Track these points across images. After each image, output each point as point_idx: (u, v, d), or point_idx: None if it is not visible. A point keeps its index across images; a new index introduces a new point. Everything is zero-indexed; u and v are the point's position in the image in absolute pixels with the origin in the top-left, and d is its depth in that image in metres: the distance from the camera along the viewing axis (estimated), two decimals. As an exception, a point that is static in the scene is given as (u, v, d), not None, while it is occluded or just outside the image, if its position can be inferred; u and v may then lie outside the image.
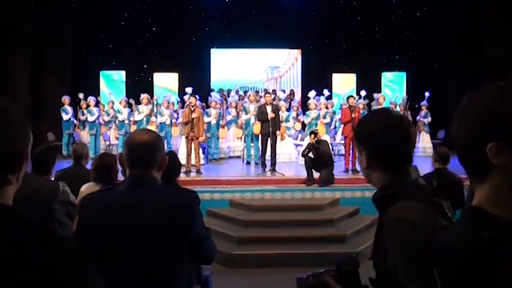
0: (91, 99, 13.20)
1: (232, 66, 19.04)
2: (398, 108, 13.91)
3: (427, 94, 14.11)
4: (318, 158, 9.18)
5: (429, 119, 13.80)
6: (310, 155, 9.32)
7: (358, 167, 10.36)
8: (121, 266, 1.83)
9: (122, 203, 1.92)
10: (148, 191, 1.96)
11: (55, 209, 2.19)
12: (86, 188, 3.80)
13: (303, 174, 9.54)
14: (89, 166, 4.23)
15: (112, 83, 16.92)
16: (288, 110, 13.27)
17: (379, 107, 12.19)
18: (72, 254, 1.04)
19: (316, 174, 9.29)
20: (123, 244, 1.85)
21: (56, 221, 2.19)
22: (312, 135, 9.43)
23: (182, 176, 9.63)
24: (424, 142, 13.82)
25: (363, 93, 13.59)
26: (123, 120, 12.82)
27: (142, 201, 1.92)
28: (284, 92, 16.37)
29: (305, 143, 11.58)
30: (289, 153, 12.45)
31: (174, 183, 3.90)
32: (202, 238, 1.98)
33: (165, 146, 12.00)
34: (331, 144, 13.11)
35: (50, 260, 0.99)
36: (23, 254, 0.99)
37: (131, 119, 12.86)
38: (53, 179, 4.16)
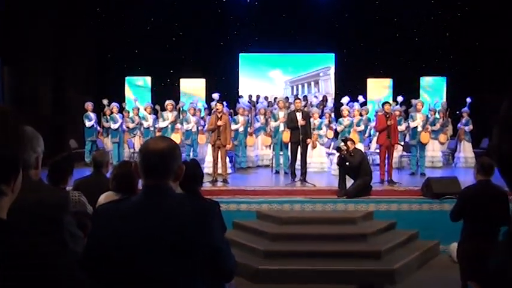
0: (114, 106, 13.38)
1: (261, 72, 19.09)
2: (437, 116, 13.66)
3: (468, 100, 13.81)
4: (354, 167, 9.06)
5: (471, 126, 13.49)
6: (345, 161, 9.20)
7: (394, 178, 10.20)
8: (131, 279, 1.81)
9: (134, 214, 1.89)
10: (163, 201, 1.93)
11: (64, 221, 2.17)
12: (105, 198, 3.81)
13: (335, 184, 9.44)
14: (109, 174, 4.23)
15: (137, 89, 17.19)
16: (321, 117, 13.20)
17: (417, 113, 11.97)
18: (57, 270, 1.00)
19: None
20: (133, 257, 1.82)
21: (66, 233, 2.17)
22: (342, 144, 9.30)
23: (208, 186, 9.70)
24: (465, 152, 13.50)
25: (400, 99, 13.38)
26: (148, 127, 12.97)
27: (155, 212, 1.89)
28: (316, 97, 16.29)
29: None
30: (321, 163, 12.39)
31: (196, 192, 3.87)
32: (219, 252, 1.93)
33: (191, 153, 12.39)
34: (365, 153, 12.96)
35: (33, 275, 0.96)
36: (8, 267, 0.95)
37: (156, 126, 12.97)
38: (71, 188, 4.19)
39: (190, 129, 12.67)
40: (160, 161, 1.95)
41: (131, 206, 1.92)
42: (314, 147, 12.18)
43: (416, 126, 11.88)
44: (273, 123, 12.13)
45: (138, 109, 13.69)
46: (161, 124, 12.66)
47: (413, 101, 12.99)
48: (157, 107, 13.46)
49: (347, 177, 9.33)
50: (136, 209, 1.91)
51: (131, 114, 13.71)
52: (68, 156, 3.82)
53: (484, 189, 4.72)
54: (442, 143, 13.84)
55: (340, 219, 8.23)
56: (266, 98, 17.35)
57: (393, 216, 8.44)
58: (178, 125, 12.73)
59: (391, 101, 11.91)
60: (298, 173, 10.37)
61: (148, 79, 17.33)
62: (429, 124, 12.32)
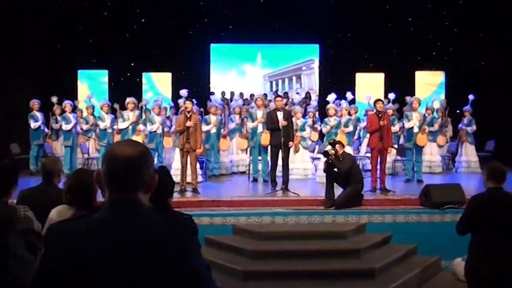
0: (67, 104, 13.17)
1: (236, 66, 19.06)
2: (436, 115, 13.81)
3: (471, 97, 13.99)
4: (343, 173, 9.07)
5: (474, 127, 13.68)
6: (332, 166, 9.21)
7: (388, 185, 10.25)
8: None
9: (97, 235, 1.81)
10: (132, 219, 1.85)
11: (9, 242, 2.06)
12: (57, 213, 3.70)
13: (322, 194, 9.44)
14: (61, 185, 4.12)
15: (92, 84, 16.98)
16: (304, 116, 13.19)
17: (412, 112, 12.07)
18: None
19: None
20: (97, 286, 1.74)
21: (11, 257, 2.05)
22: (330, 147, 9.30)
23: (176, 197, 9.57)
24: (468, 155, 13.68)
25: (392, 96, 13.48)
26: (105, 129, 12.81)
27: (123, 232, 1.82)
28: (299, 94, 16.33)
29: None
30: (305, 169, 12.41)
31: (167, 206, 3.79)
32: (198, 279, 1.86)
33: (156, 160, 12.25)
34: (355, 157, 12.99)
35: None
36: None
37: (115, 127, 12.82)
38: (14, 201, 4.05)
39: (155, 131, 12.56)
40: (128, 170, 1.88)
41: (93, 225, 1.84)
42: (297, 151, 12.19)
43: (412, 127, 11.98)
44: (249, 124, 12.11)
45: (93, 108, 13.49)
46: (120, 125, 12.49)
47: (408, 99, 13.13)
48: (116, 106, 13.28)
49: (335, 185, 9.34)
50: (99, 229, 1.82)
51: (85, 114, 13.51)
52: (10, 163, 3.66)
53: (496, 198, 4.72)
54: (441, 146, 14.02)
55: (328, 234, 8.20)
56: (241, 95, 17.36)
57: (388, 229, 8.46)
58: (140, 126, 12.60)
59: (383, 99, 11.94)
60: (279, 180, 10.35)
61: (106, 73, 17.14)
62: (426, 124, 12.44)
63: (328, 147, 9.40)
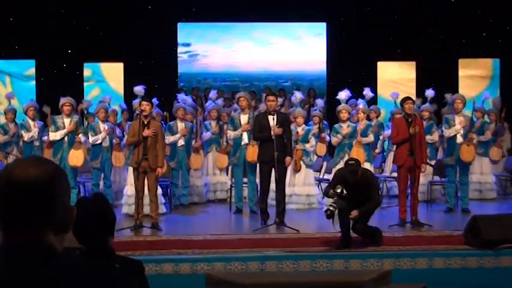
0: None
1: (213, 51, 19.08)
2: (487, 119, 13.82)
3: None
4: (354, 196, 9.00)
5: (541, 135, 13.73)
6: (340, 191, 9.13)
7: (421, 217, 10.23)
8: None
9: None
10: (38, 272, 1.79)
11: None
12: None
13: (331, 228, 9.39)
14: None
15: (14, 79, 16.94)
16: (307, 122, 13.15)
17: (455, 116, 12.04)
18: None
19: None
20: None
21: None
22: (333, 201, 9.09)
23: (127, 235, 9.52)
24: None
25: (431, 93, 13.49)
26: (32, 141, 12.72)
27: None
28: (299, 91, 16.30)
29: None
30: (308, 195, 12.43)
31: (105, 249, 3.76)
32: None
33: (101, 183, 12.17)
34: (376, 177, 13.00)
35: None
36: None
37: (44, 138, 12.74)
38: None
39: (100, 144, 12.47)
40: (30, 200, 1.82)
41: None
42: (297, 170, 12.16)
43: (454, 136, 11.97)
44: (231, 133, 12.07)
45: (15, 112, 13.43)
46: (52, 136, 12.37)
47: (449, 97, 13.11)
48: (47, 109, 13.22)
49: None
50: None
51: (2, 121, 13.43)
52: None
53: None
54: (495, 162, 14.02)
55: (339, 285, 8.11)
56: (220, 91, 17.28)
57: (421, 279, 8.34)
58: (80, 137, 12.48)
59: (414, 97, 11.95)
60: (272, 211, 10.32)
61: (32, 63, 17.10)
62: (474, 132, 12.45)
63: (331, 203, 9.14)
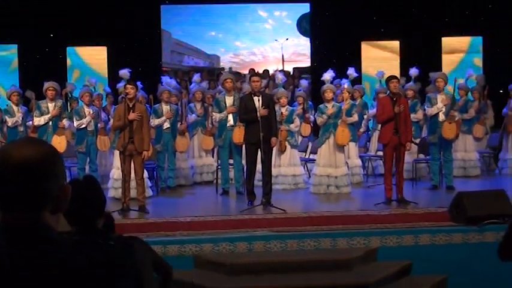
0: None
1: (197, 34, 19.02)
2: (471, 97, 13.86)
3: (518, 71, 14.10)
4: None
5: (524, 112, 13.78)
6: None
7: (407, 195, 10.30)
8: None
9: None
10: (34, 251, 1.81)
11: None
12: None
13: (317, 208, 9.43)
14: None
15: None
16: (291, 103, 13.15)
17: (437, 94, 12.05)
18: None
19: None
20: None
21: None
22: None
23: (116, 218, 9.47)
24: (516, 152, 13.79)
25: (415, 72, 13.52)
26: (16, 126, 12.66)
27: (22, 269, 1.78)
28: (283, 73, 16.31)
29: (322, 155, 11.51)
30: (294, 175, 12.44)
31: (96, 232, 3.82)
32: None
33: (87, 167, 12.17)
34: (360, 157, 13.07)
35: None
36: None
37: (29, 123, 12.70)
38: None
39: (85, 128, 12.42)
40: (26, 180, 1.84)
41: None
42: (282, 151, 12.18)
43: (437, 114, 12.00)
44: (216, 115, 12.06)
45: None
46: (37, 120, 12.34)
47: (432, 75, 13.13)
48: (30, 94, 13.15)
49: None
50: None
51: (-15, 106, 13.38)
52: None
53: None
54: (478, 139, 14.07)
55: (326, 264, 8.19)
56: (203, 75, 17.24)
57: (407, 255, 8.44)
58: (64, 122, 12.45)
59: (399, 76, 11.98)
60: (258, 192, 10.34)
61: (14, 48, 17.00)
62: (458, 110, 12.49)
63: None
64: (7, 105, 12.99)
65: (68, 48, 17.29)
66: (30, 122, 12.69)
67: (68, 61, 17.34)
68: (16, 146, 1.92)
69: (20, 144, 1.93)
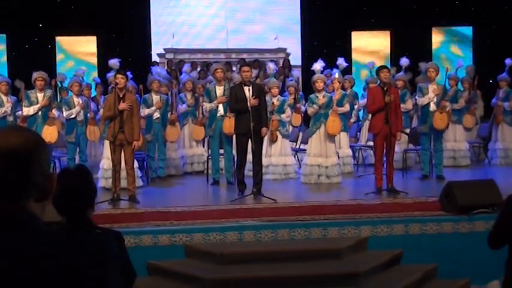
0: None
1: (187, 21, 18.98)
2: (461, 87, 13.89)
3: (508, 62, 14.12)
4: None
5: (513, 102, 13.82)
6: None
7: (397, 184, 10.31)
8: None
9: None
10: (18, 242, 1.80)
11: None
12: None
13: (307, 198, 9.44)
14: None
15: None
16: (282, 92, 13.12)
17: (428, 84, 12.08)
18: None
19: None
20: None
21: None
22: None
23: (105, 208, 9.53)
24: (505, 141, 13.85)
25: (406, 62, 13.52)
26: (5, 116, 12.63)
27: (5, 257, 1.77)
28: (274, 63, 16.27)
29: (313, 145, 11.51)
30: (285, 165, 12.45)
31: (86, 221, 3.79)
32: None
33: (77, 157, 12.13)
34: (350, 147, 13.07)
35: None
36: None
37: (18, 113, 12.66)
38: None
39: (74, 118, 12.39)
40: (11, 168, 1.83)
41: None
42: (273, 141, 12.18)
43: (428, 104, 12.02)
44: (207, 105, 12.04)
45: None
46: (26, 110, 12.31)
47: (423, 65, 13.14)
48: (19, 83, 13.10)
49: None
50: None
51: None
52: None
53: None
54: (468, 129, 14.12)
55: (317, 253, 8.22)
56: (195, 64, 17.21)
57: (398, 244, 8.46)
58: (54, 112, 12.43)
59: (389, 66, 11.98)
60: (249, 182, 10.35)
61: (2, 38, 16.93)
62: (448, 100, 12.51)
63: None
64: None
65: (56, 38, 17.21)
66: (20, 112, 12.66)
67: (57, 51, 17.27)
68: (1, 134, 1.90)
69: (4, 133, 1.91)
